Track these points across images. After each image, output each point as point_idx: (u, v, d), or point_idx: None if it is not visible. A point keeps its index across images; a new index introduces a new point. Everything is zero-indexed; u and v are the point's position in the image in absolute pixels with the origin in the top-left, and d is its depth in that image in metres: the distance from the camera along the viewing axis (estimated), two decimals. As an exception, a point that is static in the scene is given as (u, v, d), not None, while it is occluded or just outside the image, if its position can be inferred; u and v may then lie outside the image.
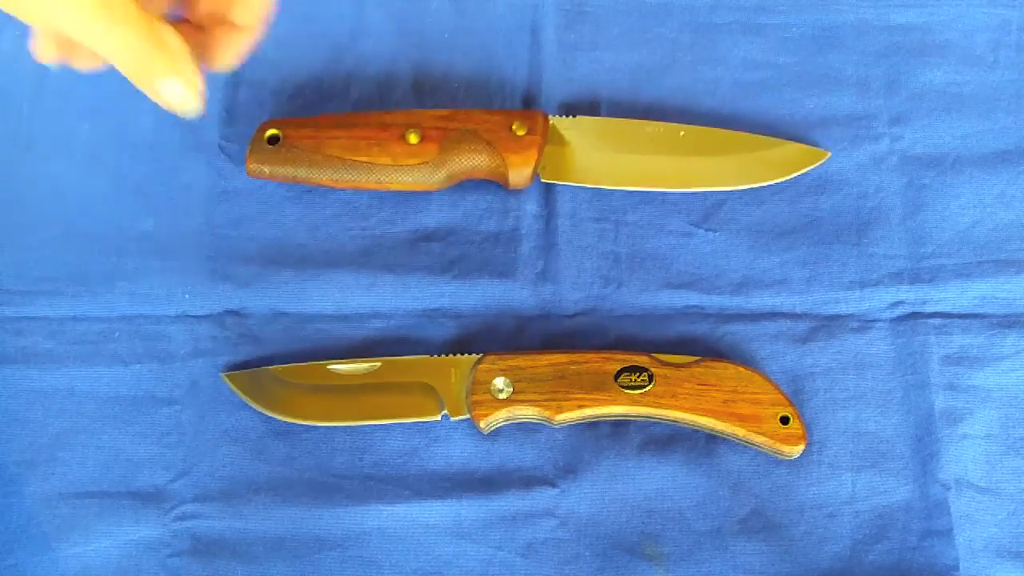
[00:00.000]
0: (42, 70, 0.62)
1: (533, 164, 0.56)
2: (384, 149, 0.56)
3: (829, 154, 0.58)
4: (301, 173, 0.57)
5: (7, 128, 0.60)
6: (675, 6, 0.63)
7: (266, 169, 0.57)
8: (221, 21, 0.45)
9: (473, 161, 0.56)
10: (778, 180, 0.58)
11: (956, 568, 0.52)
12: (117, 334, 0.56)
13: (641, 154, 0.58)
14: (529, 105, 0.60)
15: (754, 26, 0.62)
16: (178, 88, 0.42)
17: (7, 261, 0.57)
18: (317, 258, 0.57)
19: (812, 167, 0.58)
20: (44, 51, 0.44)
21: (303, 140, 0.56)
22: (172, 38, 0.41)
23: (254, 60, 0.61)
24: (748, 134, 0.59)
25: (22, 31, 0.62)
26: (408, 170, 0.56)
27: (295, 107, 0.61)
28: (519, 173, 0.56)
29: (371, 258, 0.58)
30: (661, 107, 0.60)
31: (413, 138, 0.56)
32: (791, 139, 0.59)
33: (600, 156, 0.58)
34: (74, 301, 0.57)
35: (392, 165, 0.56)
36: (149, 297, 0.57)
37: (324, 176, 0.57)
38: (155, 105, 0.60)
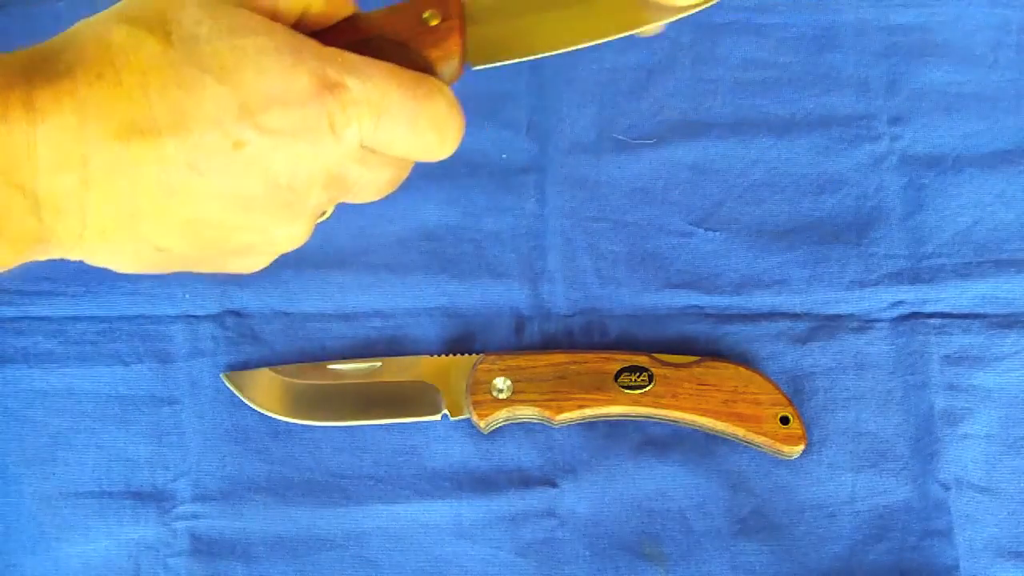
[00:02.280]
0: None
1: (459, 54, 0.47)
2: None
3: None
4: None
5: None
6: (675, 6, 0.62)
7: None
8: None
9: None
10: None
11: (956, 568, 0.52)
12: (117, 334, 0.56)
13: (573, 5, 0.48)
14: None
15: (754, 26, 0.62)
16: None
17: (7, 261, 0.57)
18: (317, 258, 0.57)
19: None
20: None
21: None
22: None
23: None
24: None
25: (22, 31, 0.62)
26: None
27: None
28: (446, 68, 0.47)
29: (371, 257, 0.58)
30: (661, 107, 0.60)
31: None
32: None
33: (529, 21, 0.48)
34: (74, 301, 0.57)
35: None
36: (149, 297, 0.57)
37: None
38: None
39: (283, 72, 0.34)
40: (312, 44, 0.37)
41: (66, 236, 0.33)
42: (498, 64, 0.48)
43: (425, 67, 0.46)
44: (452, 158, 0.59)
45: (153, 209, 0.34)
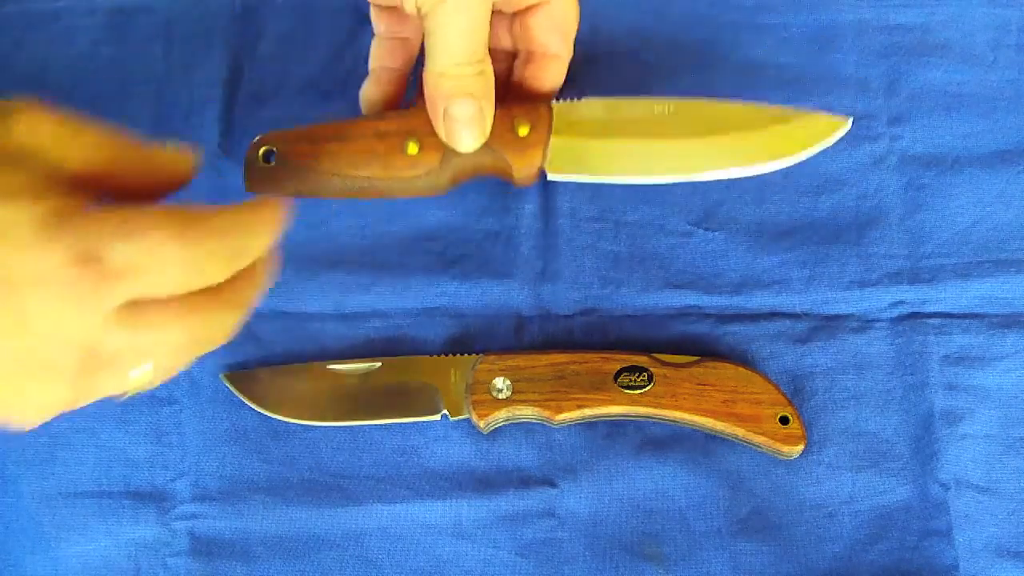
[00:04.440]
0: (39, 71, 0.62)
1: (539, 164, 0.53)
2: (384, 163, 0.52)
3: (848, 121, 0.52)
4: (304, 190, 0.53)
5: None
6: (675, 6, 0.62)
7: (266, 190, 0.52)
8: None
9: (475, 166, 0.53)
10: (799, 154, 0.52)
11: (956, 568, 0.52)
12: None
13: (652, 139, 0.53)
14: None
15: (754, 26, 0.62)
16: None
17: (6, 260, 0.57)
18: (317, 258, 0.57)
19: (832, 137, 0.52)
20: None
21: (299, 157, 0.52)
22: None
23: (254, 58, 0.62)
24: (762, 106, 0.53)
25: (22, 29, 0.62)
26: (411, 181, 0.53)
27: (294, 105, 0.61)
28: (524, 174, 0.53)
29: (371, 257, 0.58)
30: (661, 107, 0.60)
31: (412, 148, 0.52)
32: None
33: (608, 145, 0.53)
34: (74, 301, 0.57)
35: (395, 178, 0.52)
36: (149, 297, 0.57)
37: (326, 193, 0.53)
38: (153, 103, 0.61)
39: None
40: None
41: None
42: (573, 178, 0.53)
43: (507, 168, 0.52)
44: (452, 158, 0.59)
45: None
